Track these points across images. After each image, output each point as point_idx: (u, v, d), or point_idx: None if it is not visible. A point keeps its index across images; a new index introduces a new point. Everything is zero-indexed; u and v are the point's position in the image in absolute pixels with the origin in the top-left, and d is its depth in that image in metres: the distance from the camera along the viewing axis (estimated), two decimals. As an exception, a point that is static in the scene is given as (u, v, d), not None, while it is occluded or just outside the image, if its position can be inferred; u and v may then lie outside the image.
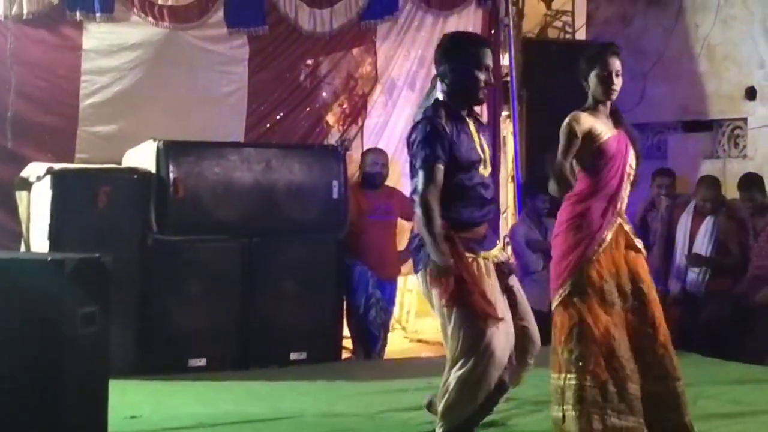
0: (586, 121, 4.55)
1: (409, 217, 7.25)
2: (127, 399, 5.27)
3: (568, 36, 9.75)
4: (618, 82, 4.60)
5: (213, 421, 5.07)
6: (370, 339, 7.32)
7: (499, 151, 8.91)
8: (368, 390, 5.79)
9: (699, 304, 7.50)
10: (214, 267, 6.62)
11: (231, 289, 6.67)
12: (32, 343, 3.31)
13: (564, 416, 4.39)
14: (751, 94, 7.95)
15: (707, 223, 7.45)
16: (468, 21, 8.61)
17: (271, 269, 6.75)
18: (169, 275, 6.49)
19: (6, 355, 3.29)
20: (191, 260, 6.55)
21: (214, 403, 5.51)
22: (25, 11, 7.01)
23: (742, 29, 8.00)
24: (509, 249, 7.99)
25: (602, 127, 4.58)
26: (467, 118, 4.42)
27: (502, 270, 4.44)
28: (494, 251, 4.46)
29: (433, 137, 4.24)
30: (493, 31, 8.73)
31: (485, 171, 4.43)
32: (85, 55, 7.28)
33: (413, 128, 4.38)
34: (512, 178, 8.95)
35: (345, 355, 7.38)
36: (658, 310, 4.60)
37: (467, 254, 4.27)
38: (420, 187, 4.23)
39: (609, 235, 4.54)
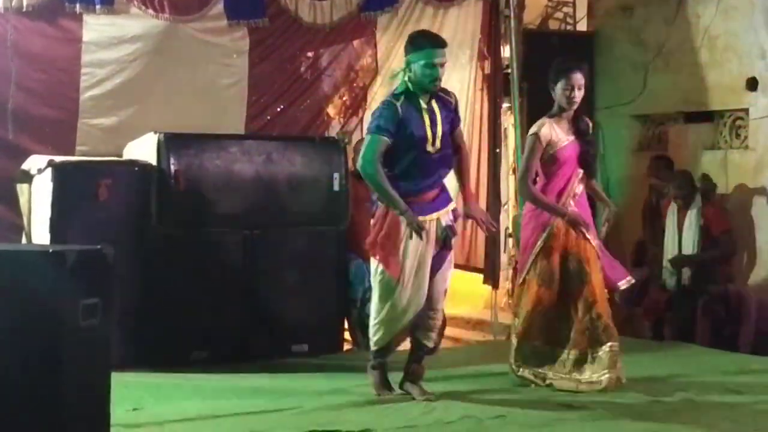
0: (549, 129, 5.48)
1: None
2: (129, 392, 5.27)
3: (569, 27, 9.73)
4: (578, 95, 5.48)
5: (214, 413, 5.07)
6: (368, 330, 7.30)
7: (500, 144, 8.90)
8: (369, 381, 5.77)
9: (694, 296, 7.54)
10: (215, 259, 6.62)
11: (232, 281, 6.67)
12: (34, 335, 3.30)
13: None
14: (752, 84, 7.93)
15: (690, 216, 7.60)
16: (468, 12, 8.59)
17: (272, 261, 6.76)
18: (170, 268, 6.49)
19: (7, 347, 3.28)
20: (192, 253, 6.54)
21: (215, 396, 5.52)
22: (24, 3, 6.99)
23: (743, 20, 7.98)
24: (510, 240, 8.01)
25: (561, 136, 5.48)
26: (423, 102, 5.17)
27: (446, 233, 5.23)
28: (439, 213, 5.22)
29: (386, 114, 5.13)
30: (493, 23, 8.71)
31: (432, 148, 5.16)
32: (85, 47, 7.26)
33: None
34: (513, 170, 8.93)
35: (346, 347, 7.38)
36: (598, 288, 5.52)
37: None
38: (362, 152, 5.20)
39: (556, 224, 5.48)
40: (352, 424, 4.78)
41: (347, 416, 5.02)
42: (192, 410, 5.11)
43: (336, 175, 6.97)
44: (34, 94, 7.12)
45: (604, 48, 9.11)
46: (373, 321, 5.39)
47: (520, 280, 5.66)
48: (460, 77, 8.55)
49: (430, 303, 5.27)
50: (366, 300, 7.29)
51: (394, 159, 5.16)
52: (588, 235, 5.52)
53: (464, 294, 9.61)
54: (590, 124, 5.72)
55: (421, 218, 5.10)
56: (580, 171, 5.59)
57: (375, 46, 8.35)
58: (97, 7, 7.22)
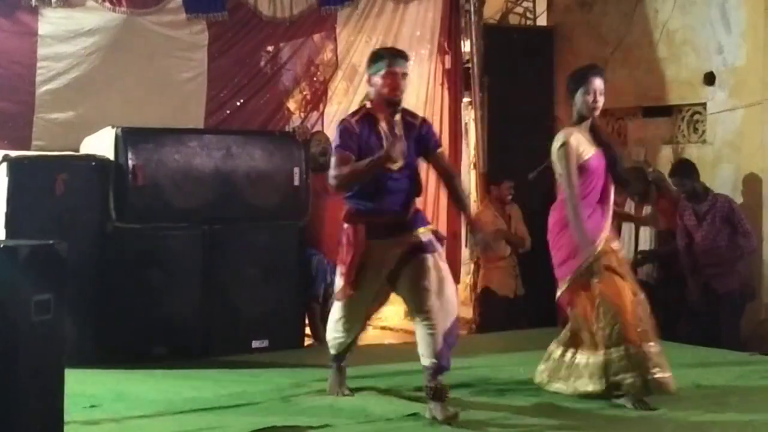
0: (575, 140, 5.11)
1: None
2: (87, 389, 5.24)
3: (529, 22, 9.76)
4: (601, 101, 5.18)
5: (174, 409, 5.03)
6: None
7: (461, 138, 8.92)
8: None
9: (655, 293, 7.59)
10: (175, 254, 6.58)
11: (192, 276, 6.63)
12: (-15, 330, 3.26)
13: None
14: (709, 79, 8.00)
15: (646, 211, 7.69)
16: (428, 7, 8.61)
17: (232, 256, 6.72)
18: (128, 263, 6.44)
19: (-41, 343, 3.24)
20: (151, 248, 6.50)
21: (175, 392, 5.47)
22: (-21, -3, 6.92)
23: (701, 15, 8.04)
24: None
25: (586, 146, 5.14)
26: (382, 119, 4.93)
27: (418, 248, 4.92)
28: (407, 235, 4.94)
29: (344, 134, 4.89)
30: (453, 18, 8.73)
31: (395, 166, 4.87)
32: (41, 40, 7.20)
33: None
34: (474, 165, 8.96)
35: (307, 342, 7.36)
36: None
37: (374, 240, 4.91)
38: (330, 173, 4.93)
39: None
40: (312, 420, 4.77)
41: (307, 411, 5.02)
42: (150, 407, 5.07)
43: (296, 170, 6.95)
44: (-12, 89, 7.05)
45: (563, 43, 9.15)
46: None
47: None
48: (420, 72, 8.57)
49: (419, 308, 4.90)
50: (328, 296, 7.28)
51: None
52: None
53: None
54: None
55: (397, 238, 4.90)
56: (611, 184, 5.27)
57: (335, 40, 8.35)
58: (54, 0, 7.15)
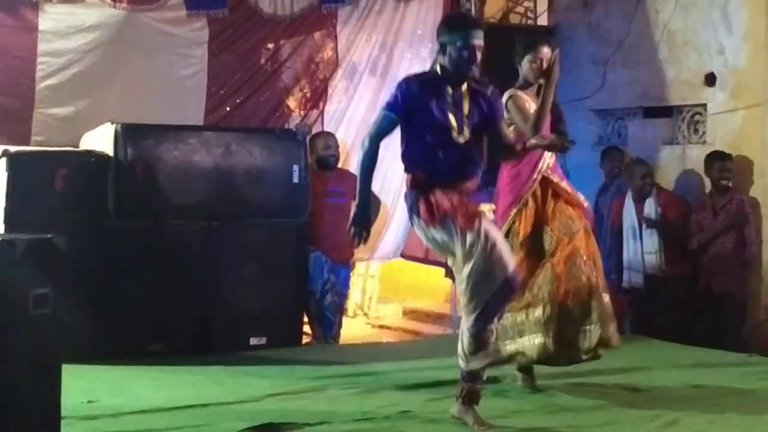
0: (521, 93, 5.39)
1: None
2: (85, 384, 5.24)
3: (529, 22, 9.75)
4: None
5: (171, 405, 5.02)
6: (326, 323, 7.31)
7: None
8: (327, 374, 5.77)
9: (659, 289, 7.60)
10: (173, 251, 6.57)
11: (190, 273, 6.64)
12: (-18, 324, 3.25)
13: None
14: (710, 80, 7.98)
15: (648, 206, 7.69)
16: (429, 6, 8.58)
17: (231, 254, 6.72)
18: (127, 259, 6.44)
19: (-44, 337, 3.23)
20: (150, 244, 6.50)
21: (172, 388, 5.47)
22: (-21, -9, 6.91)
23: (702, 15, 8.03)
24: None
25: (531, 104, 5.34)
26: (451, 88, 4.72)
27: None
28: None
29: (398, 91, 4.71)
30: (454, 16, 8.71)
31: (460, 137, 4.69)
32: (41, 36, 7.16)
33: None
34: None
35: (305, 339, 7.36)
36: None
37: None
38: (371, 128, 4.76)
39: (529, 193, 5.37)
40: (310, 416, 4.76)
41: (304, 408, 5.01)
42: (148, 402, 5.07)
43: (295, 167, 6.94)
44: (-12, 84, 7.04)
45: (564, 42, 9.12)
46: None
47: None
48: (421, 70, 8.54)
49: None
50: (325, 293, 7.28)
51: (417, 146, 4.71)
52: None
53: (426, 288, 9.65)
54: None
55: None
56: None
57: (336, 38, 8.32)
58: (54, -5, 7.14)
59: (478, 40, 4.71)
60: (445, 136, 4.67)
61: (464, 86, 4.76)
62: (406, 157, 4.78)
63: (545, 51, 5.40)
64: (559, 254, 5.27)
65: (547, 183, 5.43)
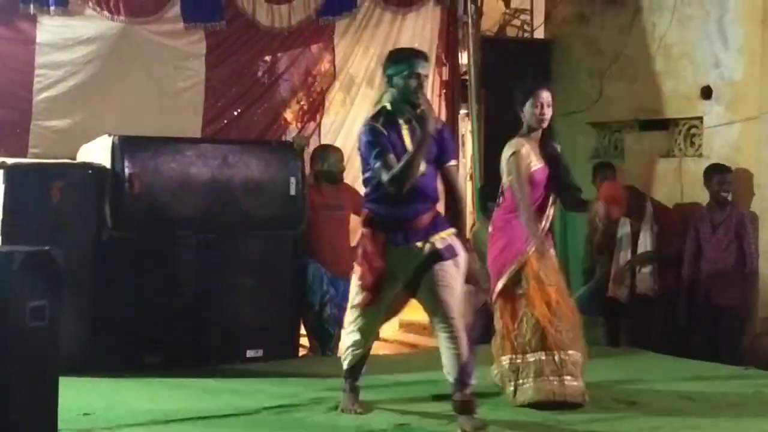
0: (526, 150, 5.35)
1: (359, 211, 7.26)
2: (81, 396, 5.22)
3: (526, 35, 9.79)
4: (548, 113, 5.42)
5: (167, 417, 5.01)
6: (325, 336, 7.30)
7: (457, 150, 8.91)
8: (324, 387, 5.75)
9: (653, 304, 7.59)
10: (170, 263, 6.57)
11: (187, 285, 6.62)
12: (-20, 336, 3.25)
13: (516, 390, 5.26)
14: (706, 93, 8.01)
15: (646, 224, 7.67)
16: (426, 19, 8.62)
17: (227, 266, 6.71)
18: (124, 271, 6.42)
19: (-47, 348, 3.23)
20: (147, 256, 6.48)
21: (168, 400, 5.46)
22: (-23, 4, 6.92)
23: (698, 29, 8.05)
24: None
25: (533, 158, 5.37)
26: (402, 121, 4.87)
27: (436, 255, 4.85)
28: (434, 237, 4.87)
29: (377, 135, 4.80)
30: (451, 29, 8.75)
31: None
32: (39, 48, 7.20)
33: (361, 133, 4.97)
34: (470, 176, 8.96)
35: (302, 352, 7.35)
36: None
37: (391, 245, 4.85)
38: (384, 176, 4.75)
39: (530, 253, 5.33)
40: (307, 429, 4.76)
41: (301, 421, 5.00)
42: (144, 415, 5.05)
43: (292, 180, 6.94)
44: (-15, 96, 7.05)
45: (560, 55, 9.17)
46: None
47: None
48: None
49: (440, 318, 4.85)
50: (323, 305, 7.28)
51: (377, 182, 4.85)
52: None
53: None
54: (558, 149, 5.56)
55: (416, 245, 4.83)
56: (551, 195, 5.50)
57: (333, 51, 8.35)
58: (52, 8, 7.16)
59: (424, 69, 4.87)
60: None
61: (415, 119, 4.83)
62: (368, 194, 4.96)
63: (545, 95, 5.39)
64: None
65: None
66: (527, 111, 5.42)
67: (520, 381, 5.27)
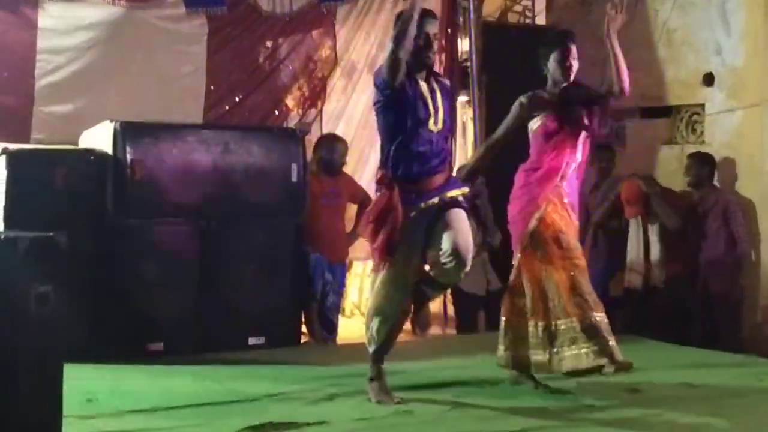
0: (535, 101, 5.26)
1: (356, 200, 7.28)
2: (84, 383, 5.20)
3: (527, 21, 9.76)
4: (575, 65, 5.32)
5: (169, 404, 5.01)
6: (328, 325, 7.31)
7: (455, 138, 8.90)
8: (326, 374, 5.77)
9: (657, 292, 7.61)
10: (172, 250, 6.57)
11: (189, 272, 6.61)
12: (-16, 323, 3.25)
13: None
14: (708, 80, 8.00)
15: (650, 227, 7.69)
16: (427, 5, 8.55)
17: (229, 252, 6.71)
18: (126, 258, 6.43)
19: (-42, 335, 3.23)
20: (148, 243, 6.49)
21: (170, 387, 5.46)
22: (-21, -10, 6.90)
23: (700, 15, 8.05)
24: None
25: (543, 110, 5.24)
26: (420, 81, 4.89)
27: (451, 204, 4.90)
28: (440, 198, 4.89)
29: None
30: (452, 16, 8.72)
31: (434, 127, 4.89)
32: (41, 34, 7.19)
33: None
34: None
35: (304, 339, 7.36)
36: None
37: (405, 207, 4.80)
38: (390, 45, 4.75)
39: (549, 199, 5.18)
40: (309, 416, 4.76)
41: (303, 409, 5.00)
42: (146, 402, 5.06)
43: (294, 166, 6.93)
44: (-13, 81, 7.04)
45: (562, 42, 9.13)
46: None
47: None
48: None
49: (446, 247, 4.82)
50: (325, 294, 7.28)
51: (401, 137, 4.85)
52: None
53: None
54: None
55: (430, 201, 4.86)
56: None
57: (334, 37, 8.34)
58: (54, -7, 7.14)
59: (432, 27, 4.89)
60: (424, 127, 4.85)
61: (428, 77, 4.93)
62: (386, 155, 4.92)
63: (573, 48, 5.29)
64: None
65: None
66: (551, 64, 5.29)
67: (555, 349, 5.07)
